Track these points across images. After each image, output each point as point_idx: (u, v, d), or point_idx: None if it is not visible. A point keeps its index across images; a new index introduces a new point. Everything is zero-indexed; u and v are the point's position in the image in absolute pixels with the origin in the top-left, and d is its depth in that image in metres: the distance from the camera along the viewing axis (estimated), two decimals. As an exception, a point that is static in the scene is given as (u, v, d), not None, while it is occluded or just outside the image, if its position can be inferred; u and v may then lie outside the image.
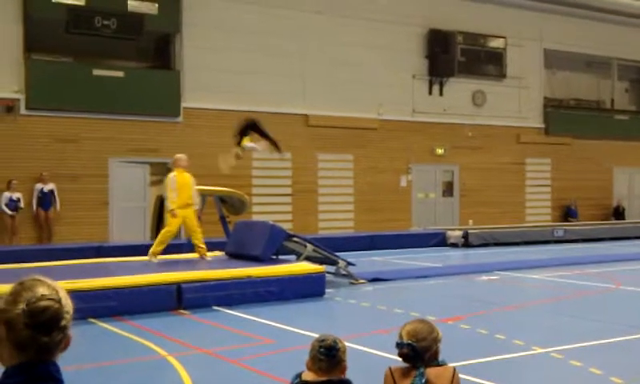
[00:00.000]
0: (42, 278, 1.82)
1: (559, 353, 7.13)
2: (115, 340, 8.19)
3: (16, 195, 16.15)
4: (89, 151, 17.24)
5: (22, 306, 1.74)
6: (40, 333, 1.74)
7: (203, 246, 12.35)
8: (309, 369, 3.16)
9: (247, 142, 13.04)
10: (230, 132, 18.50)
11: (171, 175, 12.14)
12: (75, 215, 17.00)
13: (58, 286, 1.82)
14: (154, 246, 12.13)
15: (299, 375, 3.17)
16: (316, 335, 3.27)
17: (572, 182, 24.56)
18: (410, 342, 3.02)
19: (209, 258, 12.26)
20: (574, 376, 6.50)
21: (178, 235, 17.04)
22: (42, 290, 1.78)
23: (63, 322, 1.77)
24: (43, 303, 1.75)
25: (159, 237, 12.27)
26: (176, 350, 7.44)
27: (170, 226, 12.03)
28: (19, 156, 16.46)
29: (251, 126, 13.30)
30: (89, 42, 17.56)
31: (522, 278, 13.41)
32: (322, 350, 3.11)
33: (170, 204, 11.98)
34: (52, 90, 16.79)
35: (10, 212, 16.07)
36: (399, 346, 3.06)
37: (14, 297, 1.76)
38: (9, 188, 16.07)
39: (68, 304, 1.80)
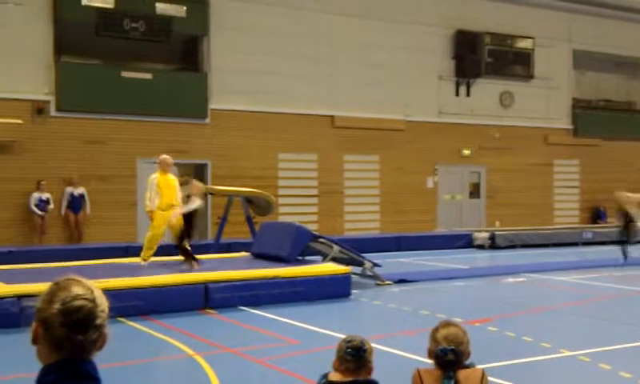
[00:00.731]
0: (77, 277, 1.85)
1: (587, 356, 7.07)
2: (144, 339, 8.28)
3: (45, 196, 16.37)
4: (117, 152, 17.41)
5: (57, 305, 1.78)
6: (75, 331, 1.77)
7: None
8: (335, 369, 3.18)
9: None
10: (258, 133, 18.78)
11: (152, 177, 11.60)
12: (104, 215, 17.18)
13: (93, 286, 1.85)
14: (143, 252, 11.82)
15: (326, 375, 3.18)
16: (342, 336, 3.29)
17: (601, 183, 24.25)
18: (453, 347, 3.00)
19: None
20: (603, 379, 6.44)
21: (204, 236, 17.27)
22: (76, 290, 1.81)
23: (98, 321, 1.80)
24: (77, 302, 1.79)
25: (146, 242, 11.78)
26: (203, 349, 7.50)
27: (154, 228, 11.57)
28: (49, 157, 16.68)
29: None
30: (118, 45, 17.77)
31: (549, 280, 13.29)
32: (349, 350, 3.12)
33: (145, 206, 11.58)
34: (82, 92, 17.00)
35: (39, 212, 16.29)
36: (444, 352, 3.00)
37: (50, 296, 1.80)
38: (38, 188, 16.30)
39: (103, 303, 1.83)
